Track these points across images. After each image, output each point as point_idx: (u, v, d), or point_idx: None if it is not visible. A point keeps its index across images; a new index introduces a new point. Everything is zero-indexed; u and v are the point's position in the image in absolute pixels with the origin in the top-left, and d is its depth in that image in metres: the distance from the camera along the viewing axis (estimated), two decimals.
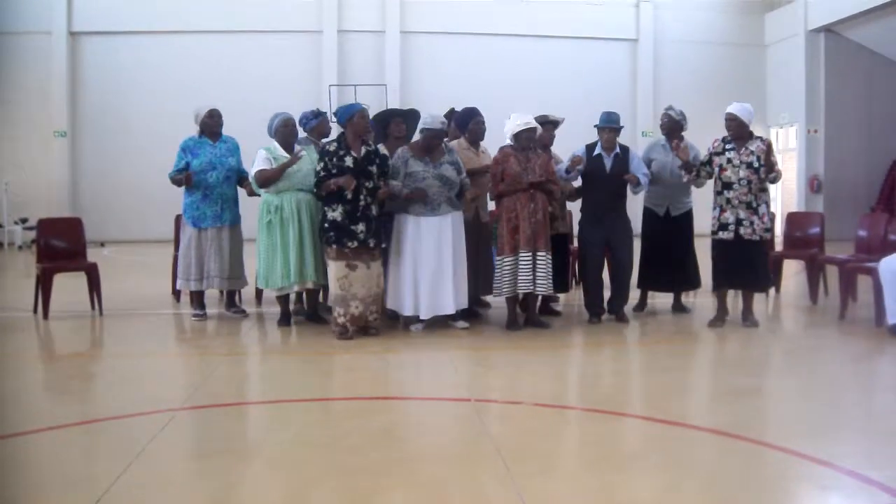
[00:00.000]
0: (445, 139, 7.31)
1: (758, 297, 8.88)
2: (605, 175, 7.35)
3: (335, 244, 6.69)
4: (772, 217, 7.29)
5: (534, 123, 7.08)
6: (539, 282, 6.98)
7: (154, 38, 20.29)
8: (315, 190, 6.81)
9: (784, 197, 21.23)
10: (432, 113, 7.15)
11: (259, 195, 7.47)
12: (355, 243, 6.67)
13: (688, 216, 7.95)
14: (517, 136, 7.03)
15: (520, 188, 6.95)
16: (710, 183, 7.39)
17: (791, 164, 21.15)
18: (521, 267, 6.94)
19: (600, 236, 7.44)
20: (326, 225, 6.74)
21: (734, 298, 8.01)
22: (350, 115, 6.82)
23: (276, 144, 7.38)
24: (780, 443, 4.03)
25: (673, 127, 7.86)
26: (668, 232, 7.83)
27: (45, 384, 5.82)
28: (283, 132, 7.41)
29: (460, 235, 7.08)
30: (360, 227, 6.69)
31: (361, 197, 6.71)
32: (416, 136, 7.36)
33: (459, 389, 5.42)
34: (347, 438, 4.23)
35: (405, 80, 20.89)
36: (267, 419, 4.91)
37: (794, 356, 6.68)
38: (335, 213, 6.69)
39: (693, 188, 7.80)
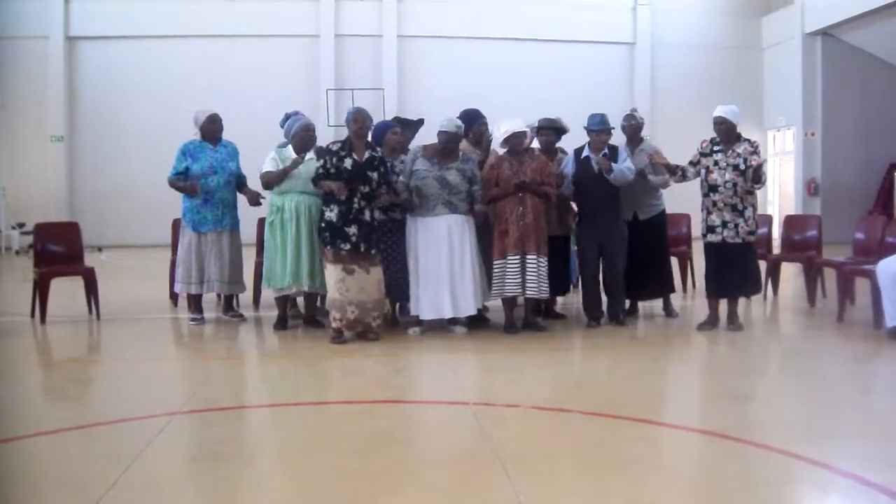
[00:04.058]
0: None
1: (756, 301, 8.91)
2: (594, 176, 7.30)
3: (329, 245, 6.71)
4: (757, 220, 7.24)
5: (521, 127, 7.08)
6: (529, 285, 6.96)
7: (151, 43, 20.27)
8: (314, 186, 6.87)
9: (781, 200, 21.27)
10: (449, 116, 7.18)
11: (260, 204, 7.57)
12: (348, 245, 6.66)
13: (658, 219, 7.83)
14: (506, 142, 7.05)
15: (508, 192, 6.96)
16: (696, 186, 7.34)
17: (788, 168, 21.18)
18: (508, 270, 6.93)
19: (595, 239, 7.41)
20: (323, 225, 6.78)
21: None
22: (347, 118, 6.91)
23: (290, 148, 7.39)
24: (779, 445, 4.02)
25: (637, 130, 7.85)
26: (638, 238, 7.59)
27: (42, 388, 5.80)
28: (304, 136, 7.38)
29: (461, 239, 7.00)
30: (353, 229, 6.68)
31: (356, 200, 6.71)
32: (413, 142, 7.41)
33: (458, 393, 5.42)
34: (346, 442, 4.22)
35: (402, 84, 20.88)
36: (265, 423, 4.91)
37: (792, 358, 6.68)
38: (331, 214, 6.71)
39: (661, 190, 7.74)
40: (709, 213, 7.10)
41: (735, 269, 7.09)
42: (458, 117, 7.52)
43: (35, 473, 3.78)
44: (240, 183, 7.93)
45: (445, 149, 7.05)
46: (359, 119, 6.85)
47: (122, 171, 19.85)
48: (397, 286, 7.18)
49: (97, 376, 6.27)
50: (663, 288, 7.99)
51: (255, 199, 7.71)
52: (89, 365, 6.67)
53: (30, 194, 19.37)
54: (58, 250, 8.52)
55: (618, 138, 7.69)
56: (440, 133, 7.06)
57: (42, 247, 8.46)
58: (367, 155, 6.78)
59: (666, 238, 7.99)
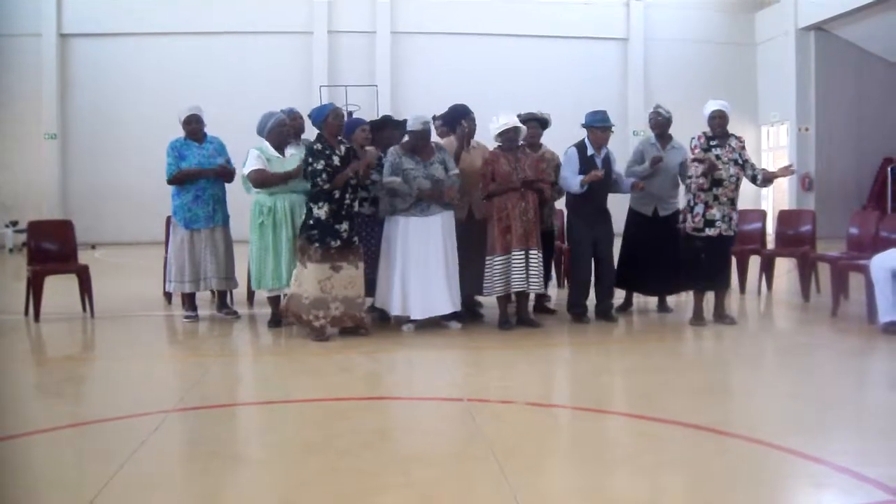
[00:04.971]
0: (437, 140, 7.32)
1: (749, 296, 8.94)
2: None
3: (318, 243, 6.63)
4: None
5: (517, 123, 7.07)
6: (532, 280, 6.97)
7: (144, 40, 20.22)
8: (327, 186, 6.59)
9: (775, 195, 21.27)
10: (415, 114, 7.16)
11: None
12: (339, 242, 6.64)
13: (676, 216, 7.84)
14: (501, 136, 7.04)
15: (511, 187, 6.95)
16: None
17: (782, 162, 21.06)
18: (514, 266, 6.92)
19: (590, 236, 7.42)
20: (311, 223, 6.67)
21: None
22: (324, 115, 6.77)
23: (268, 144, 7.34)
24: (774, 440, 4.03)
25: (664, 125, 7.84)
26: (656, 233, 7.67)
27: (36, 387, 5.78)
28: (279, 132, 7.36)
29: (451, 236, 7.05)
30: (344, 225, 6.67)
31: (347, 196, 6.70)
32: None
33: (452, 389, 5.41)
34: (340, 439, 4.22)
35: (396, 81, 20.88)
36: (258, 421, 4.90)
37: (786, 353, 6.69)
38: (320, 212, 6.63)
39: (682, 187, 7.76)
40: (708, 207, 7.09)
41: (720, 263, 7.20)
42: (445, 112, 7.53)
43: (29, 472, 3.77)
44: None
45: (416, 146, 7.04)
46: (340, 115, 6.84)
47: (116, 169, 19.83)
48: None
49: (91, 374, 6.25)
50: (680, 285, 7.93)
51: (227, 173, 7.80)
52: (83, 363, 6.65)
53: (23, 192, 19.39)
54: (51, 248, 8.50)
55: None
56: (408, 133, 7.08)
57: (35, 245, 8.44)
58: (343, 150, 6.76)
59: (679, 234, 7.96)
